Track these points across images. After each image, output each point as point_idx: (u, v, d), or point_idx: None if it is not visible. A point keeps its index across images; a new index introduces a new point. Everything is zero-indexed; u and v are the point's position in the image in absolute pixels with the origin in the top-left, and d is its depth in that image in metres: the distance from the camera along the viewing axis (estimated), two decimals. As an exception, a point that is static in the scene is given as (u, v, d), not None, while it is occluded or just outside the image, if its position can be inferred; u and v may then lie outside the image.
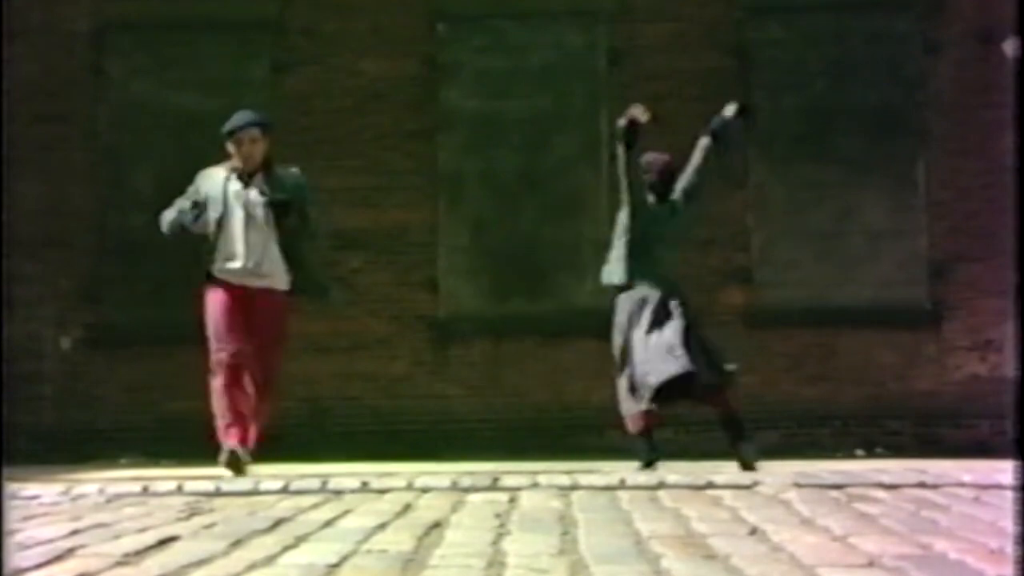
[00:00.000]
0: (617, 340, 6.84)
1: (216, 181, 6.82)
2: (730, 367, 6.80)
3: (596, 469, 5.57)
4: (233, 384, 6.42)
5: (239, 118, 6.78)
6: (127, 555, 2.81)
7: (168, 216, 6.89)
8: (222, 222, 6.65)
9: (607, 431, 9.81)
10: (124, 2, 10.24)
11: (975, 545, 2.89)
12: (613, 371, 6.94)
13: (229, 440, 6.34)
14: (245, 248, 6.60)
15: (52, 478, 5.31)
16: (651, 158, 7.13)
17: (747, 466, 6.53)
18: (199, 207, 6.72)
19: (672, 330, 6.66)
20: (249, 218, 6.64)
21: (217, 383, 6.47)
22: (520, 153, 10.23)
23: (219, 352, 6.48)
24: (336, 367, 9.83)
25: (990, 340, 9.90)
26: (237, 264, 6.60)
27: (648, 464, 6.60)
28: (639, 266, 6.83)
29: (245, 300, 6.57)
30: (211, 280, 6.66)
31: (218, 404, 6.46)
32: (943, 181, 10.03)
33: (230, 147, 6.75)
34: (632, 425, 6.81)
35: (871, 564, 2.65)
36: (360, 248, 9.93)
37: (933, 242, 10.03)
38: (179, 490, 4.34)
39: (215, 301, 6.61)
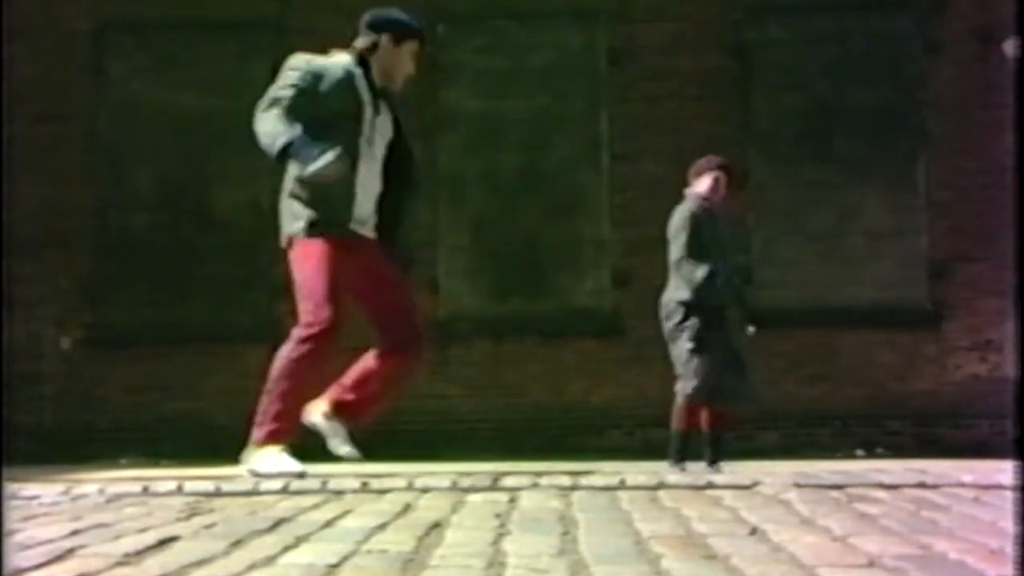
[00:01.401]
0: None
1: (342, 81, 5.19)
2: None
3: (596, 469, 5.56)
4: (324, 357, 5.18)
5: (414, 18, 5.44)
6: (127, 555, 2.81)
7: (275, 128, 5.02)
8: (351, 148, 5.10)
9: (607, 431, 9.86)
10: (124, 2, 10.25)
11: (975, 545, 2.89)
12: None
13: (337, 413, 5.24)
14: (362, 190, 5.19)
15: (52, 478, 5.31)
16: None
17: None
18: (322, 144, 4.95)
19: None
20: (372, 147, 5.25)
21: (304, 354, 5.13)
22: (520, 153, 10.23)
23: (319, 313, 5.10)
24: (336, 367, 9.83)
25: (990, 340, 9.91)
26: (354, 210, 5.18)
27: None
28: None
29: (360, 260, 5.20)
30: (316, 232, 5.13)
31: (300, 382, 5.17)
32: (943, 181, 10.03)
33: (385, 46, 5.33)
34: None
35: (871, 564, 2.65)
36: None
37: (933, 242, 10.04)
38: (179, 490, 4.33)
39: (324, 255, 5.12)
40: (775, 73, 10.21)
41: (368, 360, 5.45)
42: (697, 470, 6.28)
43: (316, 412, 5.32)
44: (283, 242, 5.33)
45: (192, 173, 10.33)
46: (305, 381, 5.21)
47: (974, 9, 10.03)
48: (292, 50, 9.77)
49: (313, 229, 5.15)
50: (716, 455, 6.72)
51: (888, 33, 10.25)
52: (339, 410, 5.34)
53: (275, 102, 5.10)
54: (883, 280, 10.01)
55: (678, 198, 7.04)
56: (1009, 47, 9.46)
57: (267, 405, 5.23)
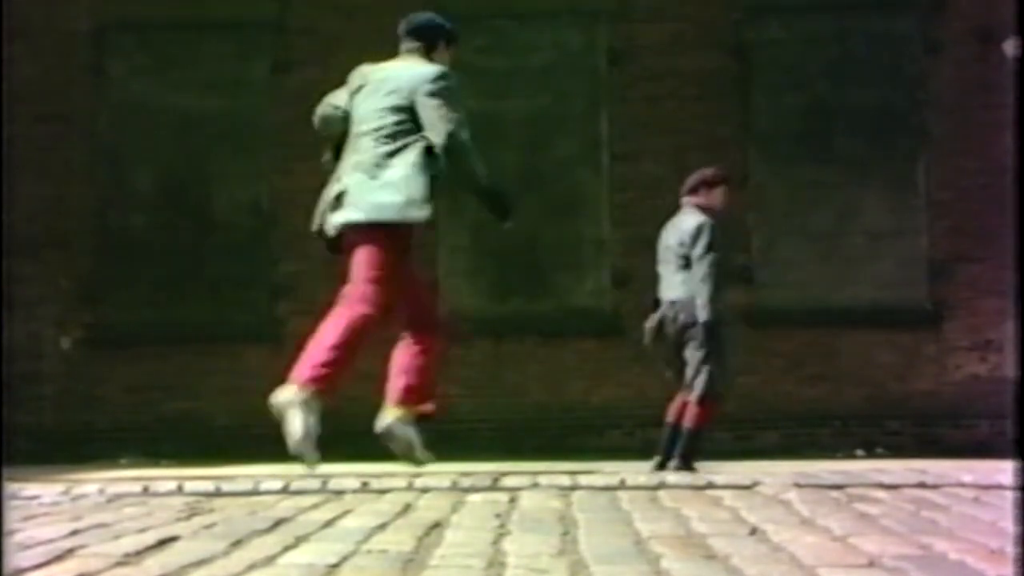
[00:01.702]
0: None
1: None
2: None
3: (596, 469, 5.56)
4: (373, 331, 5.54)
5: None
6: (127, 555, 2.81)
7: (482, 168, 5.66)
8: None
9: (607, 431, 9.85)
10: (124, 2, 10.24)
11: (975, 545, 2.89)
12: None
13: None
14: None
15: (52, 478, 5.31)
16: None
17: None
18: None
19: None
20: None
21: (363, 321, 5.48)
22: (520, 153, 10.22)
23: (383, 296, 5.56)
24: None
25: (990, 340, 9.91)
26: None
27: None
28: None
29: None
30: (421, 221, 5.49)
31: (353, 340, 5.47)
32: (943, 181, 10.03)
33: (442, 51, 5.80)
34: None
35: (871, 564, 2.65)
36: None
37: (933, 242, 10.04)
38: (179, 490, 4.33)
39: (408, 247, 5.62)
40: (775, 73, 10.20)
41: (402, 358, 5.72)
42: (702, 470, 6.28)
43: (389, 418, 5.58)
44: (373, 214, 5.36)
45: (192, 173, 10.33)
46: (356, 342, 5.43)
47: (974, 9, 10.03)
48: (292, 50, 9.66)
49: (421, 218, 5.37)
50: (672, 452, 6.72)
51: (888, 33, 10.24)
52: (411, 408, 5.64)
53: (463, 125, 5.39)
54: (883, 280, 10.01)
55: (678, 198, 7.04)
56: (1009, 47, 9.46)
57: (314, 351, 5.37)
